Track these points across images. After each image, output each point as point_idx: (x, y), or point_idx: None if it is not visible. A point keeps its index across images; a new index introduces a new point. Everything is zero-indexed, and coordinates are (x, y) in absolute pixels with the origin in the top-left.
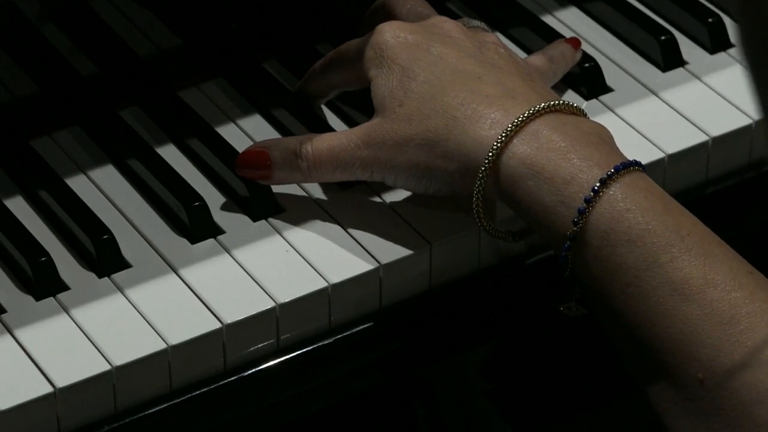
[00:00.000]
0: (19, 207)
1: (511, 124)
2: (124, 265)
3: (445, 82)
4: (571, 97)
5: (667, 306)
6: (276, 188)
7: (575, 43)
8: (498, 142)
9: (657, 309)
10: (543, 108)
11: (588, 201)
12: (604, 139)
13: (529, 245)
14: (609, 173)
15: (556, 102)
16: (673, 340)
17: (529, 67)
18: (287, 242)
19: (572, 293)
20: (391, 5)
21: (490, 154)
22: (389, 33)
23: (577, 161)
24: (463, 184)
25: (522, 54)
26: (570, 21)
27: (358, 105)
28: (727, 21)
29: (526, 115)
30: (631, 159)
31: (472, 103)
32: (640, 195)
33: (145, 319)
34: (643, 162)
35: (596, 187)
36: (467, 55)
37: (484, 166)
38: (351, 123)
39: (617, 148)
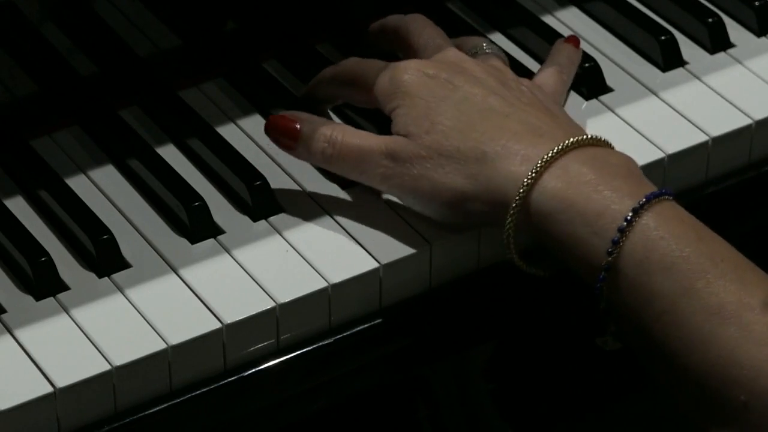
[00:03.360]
0: (19, 207)
1: (542, 159)
2: (124, 265)
3: (473, 119)
4: (571, 96)
5: (704, 331)
6: (276, 188)
7: (575, 41)
8: (529, 178)
9: (694, 335)
10: (571, 143)
11: (621, 231)
12: (632, 170)
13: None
14: (641, 203)
15: (584, 137)
16: (712, 364)
17: (547, 97)
18: (287, 242)
19: (608, 326)
20: (407, 34)
21: (521, 190)
22: (413, 71)
23: (608, 193)
24: (487, 217)
25: (522, 55)
26: (570, 21)
27: (361, 109)
28: (728, 21)
29: (555, 150)
30: (660, 189)
31: (501, 139)
32: (673, 223)
33: (145, 319)
34: (643, 162)
35: (629, 217)
36: (492, 94)
37: (515, 202)
38: (354, 123)
39: (645, 178)
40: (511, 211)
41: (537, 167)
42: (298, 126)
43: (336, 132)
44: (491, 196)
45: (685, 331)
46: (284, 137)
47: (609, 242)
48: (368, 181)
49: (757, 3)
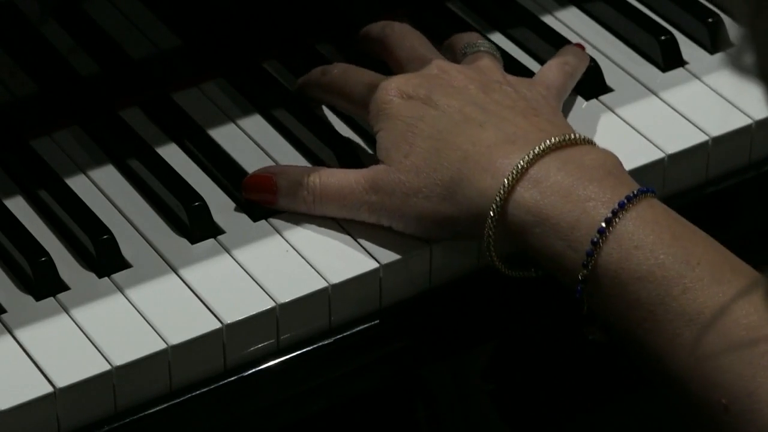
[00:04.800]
0: (19, 207)
1: (511, 173)
2: (124, 265)
3: (448, 135)
4: (571, 96)
5: (684, 337)
6: None
7: (582, 48)
8: (501, 193)
9: (675, 340)
10: (542, 150)
11: (594, 243)
12: (609, 170)
13: None
14: (614, 211)
15: (558, 139)
16: (693, 369)
17: (535, 92)
18: (287, 242)
19: (594, 321)
20: (390, 45)
21: (494, 205)
22: (393, 92)
23: (580, 203)
24: (473, 233)
25: (522, 55)
26: (570, 21)
27: None
28: (727, 21)
29: (525, 159)
30: (638, 186)
31: (475, 154)
32: (648, 228)
33: (145, 319)
34: (643, 162)
35: (602, 228)
36: (470, 103)
37: (490, 218)
38: (352, 122)
39: (624, 175)
40: (487, 227)
41: (508, 180)
42: (275, 180)
43: (312, 178)
44: (471, 213)
45: (665, 338)
46: (263, 194)
47: (584, 255)
48: (355, 217)
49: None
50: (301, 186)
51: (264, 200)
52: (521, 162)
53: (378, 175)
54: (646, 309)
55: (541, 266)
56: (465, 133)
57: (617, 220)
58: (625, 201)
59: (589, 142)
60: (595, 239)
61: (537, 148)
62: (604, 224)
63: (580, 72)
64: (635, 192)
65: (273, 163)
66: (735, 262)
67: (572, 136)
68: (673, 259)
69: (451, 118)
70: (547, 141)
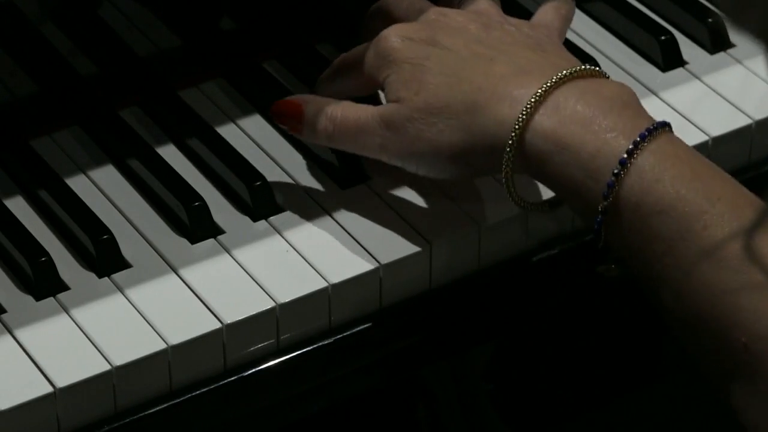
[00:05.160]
0: (19, 207)
1: (530, 100)
2: (124, 265)
3: (459, 70)
4: None
5: (704, 273)
6: (276, 188)
7: None
8: (520, 121)
9: (694, 277)
10: (560, 78)
11: (616, 174)
12: (626, 102)
13: (529, 246)
14: (635, 142)
15: (573, 69)
16: (713, 306)
17: (538, 32)
18: (287, 242)
19: (610, 256)
20: (389, 7)
21: (513, 133)
22: (394, 37)
23: (601, 133)
24: (489, 165)
25: None
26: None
27: None
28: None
29: (543, 88)
30: (656, 120)
31: (489, 85)
32: (668, 162)
33: (145, 319)
34: None
35: (623, 159)
36: (475, 41)
37: (508, 146)
38: None
39: (641, 108)
40: (506, 156)
41: (527, 108)
42: (302, 106)
43: (336, 109)
44: (487, 144)
45: (684, 273)
46: (290, 120)
47: (604, 185)
48: (369, 153)
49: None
50: (325, 115)
51: (291, 128)
52: (540, 90)
53: (390, 110)
54: (666, 243)
55: (558, 196)
56: (476, 68)
57: (638, 151)
58: (646, 133)
59: (604, 75)
60: (617, 170)
61: (555, 76)
62: (625, 155)
63: (572, 13)
64: (655, 125)
65: (273, 163)
66: (755, 200)
67: (588, 67)
68: (694, 194)
69: (459, 54)
70: (565, 71)
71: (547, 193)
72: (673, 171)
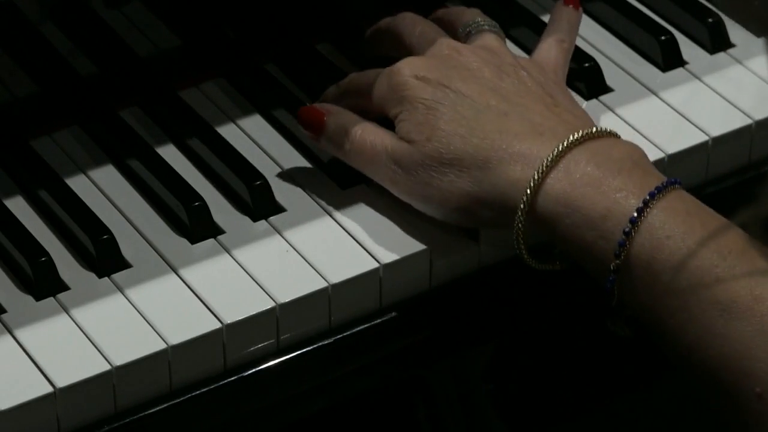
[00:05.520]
0: (19, 207)
1: (542, 164)
2: (124, 265)
3: (473, 122)
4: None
5: (717, 326)
6: (276, 188)
7: (574, 2)
8: (532, 184)
9: (708, 330)
10: (571, 142)
11: (627, 233)
12: (636, 162)
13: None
14: (645, 200)
15: (585, 132)
16: (727, 358)
17: (548, 77)
18: (287, 242)
19: (621, 313)
20: (400, 31)
21: (525, 197)
22: (407, 73)
23: (611, 193)
24: (498, 221)
25: (522, 54)
26: None
27: None
28: (727, 21)
29: (555, 152)
30: (666, 178)
31: (502, 143)
32: (679, 219)
33: (145, 319)
34: None
35: (633, 218)
36: (489, 89)
37: (520, 209)
38: None
39: (650, 166)
40: (518, 217)
41: (540, 172)
42: (325, 118)
43: (357, 128)
44: (497, 201)
45: (698, 327)
46: (311, 128)
47: (616, 245)
48: (381, 182)
49: (756, 2)
50: (345, 132)
51: (310, 134)
52: (552, 154)
53: (402, 150)
54: (680, 298)
55: (570, 258)
56: (490, 121)
57: (648, 210)
58: (656, 191)
59: (615, 135)
60: (627, 229)
61: (566, 140)
62: (635, 214)
63: (574, 40)
64: (664, 183)
65: (273, 163)
66: (765, 251)
67: (599, 129)
68: (705, 249)
69: (473, 104)
70: (576, 134)
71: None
72: (684, 227)
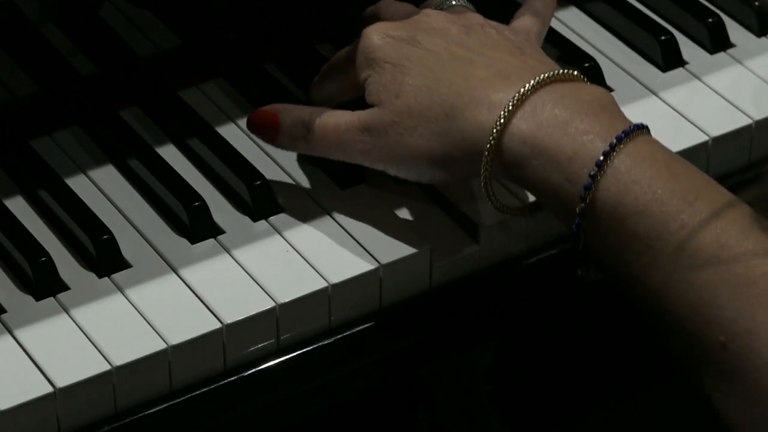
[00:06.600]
0: (19, 207)
1: (508, 104)
2: (124, 265)
3: (439, 73)
4: None
5: (683, 273)
6: (276, 188)
7: None
8: (498, 125)
9: (672, 276)
10: (537, 83)
11: (593, 176)
12: (604, 105)
13: (529, 246)
14: (612, 144)
15: (551, 73)
16: (691, 305)
17: (518, 36)
18: (287, 242)
19: (590, 258)
20: (378, 11)
21: (491, 137)
22: (375, 35)
23: (578, 135)
24: (469, 170)
25: None
26: (570, 21)
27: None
28: (727, 21)
29: (521, 92)
30: (633, 122)
31: (468, 89)
32: (645, 163)
33: (145, 319)
34: None
35: (599, 161)
36: (455, 43)
37: (486, 150)
38: None
39: (619, 111)
40: (484, 160)
41: (504, 112)
42: (278, 117)
43: (313, 116)
44: (466, 148)
45: (663, 273)
46: (266, 130)
47: (581, 188)
48: (351, 159)
49: (756, 3)
50: (302, 123)
51: (267, 136)
52: (518, 94)
53: (371, 116)
54: (644, 243)
55: (537, 200)
56: (455, 70)
57: (614, 153)
58: (623, 135)
59: (582, 79)
60: (593, 173)
61: (533, 80)
62: (602, 157)
63: (549, 19)
64: (632, 127)
65: (273, 163)
66: (733, 199)
67: (566, 71)
68: (670, 194)
69: (439, 56)
70: (543, 74)
71: (525, 196)
72: (650, 172)
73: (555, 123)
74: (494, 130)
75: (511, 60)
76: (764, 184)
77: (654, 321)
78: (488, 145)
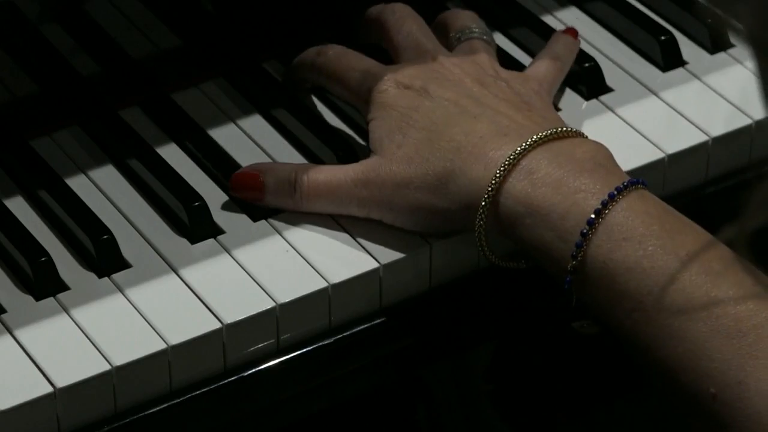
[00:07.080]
0: (19, 207)
1: (503, 163)
2: (124, 265)
3: (442, 126)
4: (571, 96)
5: (673, 327)
6: None
7: (573, 33)
8: (493, 183)
9: (663, 331)
10: (534, 141)
11: (584, 235)
12: (599, 162)
13: None
14: (604, 201)
15: (548, 132)
16: (682, 358)
17: (529, 87)
18: (287, 242)
19: (584, 313)
20: (388, 27)
21: (486, 195)
22: (389, 81)
23: (570, 194)
24: (466, 223)
25: (522, 55)
26: (570, 21)
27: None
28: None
29: (517, 151)
30: (629, 178)
31: (468, 145)
32: (637, 220)
33: (145, 319)
34: (643, 162)
35: (591, 219)
36: (466, 96)
37: (482, 208)
38: (352, 122)
39: (615, 167)
40: (479, 217)
41: (500, 171)
42: (261, 178)
43: (300, 175)
44: (462, 203)
45: (654, 328)
46: (250, 191)
47: (573, 246)
48: (344, 212)
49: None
50: (289, 183)
51: (251, 198)
52: (513, 153)
53: (369, 168)
54: (635, 299)
55: (531, 257)
56: (459, 125)
57: (607, 211)
58: (615, 192)
59: (581, 135)
60: (585, 230)
61: (529, 139)
62: (593, 215)
63: (569, 64)
64: (625, 183)
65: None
66: (725, 253)
67: (563, 129)
68: (662, 251)
69: (446, 109)
70: (539, 133)
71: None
72: (642, 228)
73: (549, 182)
74: (489, 188)
75: (516, 116)
76: (744, 221)
77: (649, 374)
78: (483, 203)
